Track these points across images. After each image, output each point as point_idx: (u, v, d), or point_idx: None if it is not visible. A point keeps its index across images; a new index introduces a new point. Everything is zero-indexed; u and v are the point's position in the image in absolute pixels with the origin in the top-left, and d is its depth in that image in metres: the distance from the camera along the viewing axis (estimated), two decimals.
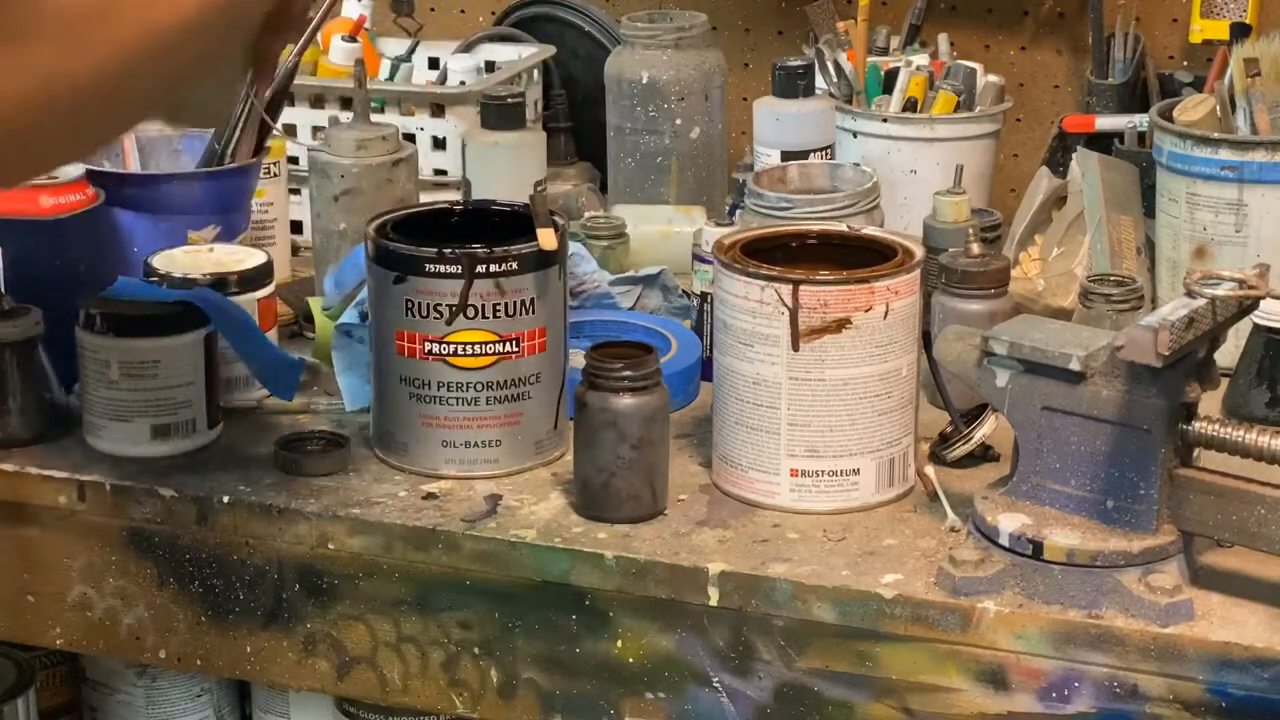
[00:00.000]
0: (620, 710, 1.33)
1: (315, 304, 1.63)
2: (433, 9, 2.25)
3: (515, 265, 1.38)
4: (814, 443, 1.35)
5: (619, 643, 1.32)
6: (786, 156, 1.79)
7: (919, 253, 1.38)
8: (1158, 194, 1.63)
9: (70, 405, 1.50)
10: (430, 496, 1.39)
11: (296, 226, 1.89)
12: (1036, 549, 1.23)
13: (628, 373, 1.33)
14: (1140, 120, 1.80)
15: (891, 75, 1.87)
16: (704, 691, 1.31)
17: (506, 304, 1.38)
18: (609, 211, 1.86)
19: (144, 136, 1.76)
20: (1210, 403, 1.32)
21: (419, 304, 1.38)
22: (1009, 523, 1.25)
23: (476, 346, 1.39)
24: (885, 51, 1.96)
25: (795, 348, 1.33)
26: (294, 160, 1.90)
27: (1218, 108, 1.62)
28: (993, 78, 1.88)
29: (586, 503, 1.36)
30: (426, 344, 1.39)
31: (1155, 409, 1.21)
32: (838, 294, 1.33)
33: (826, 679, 1.28)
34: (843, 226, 1.47)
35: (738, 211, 1.63)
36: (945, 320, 1.47)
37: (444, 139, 1.91)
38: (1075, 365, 1.23)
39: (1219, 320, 1.22)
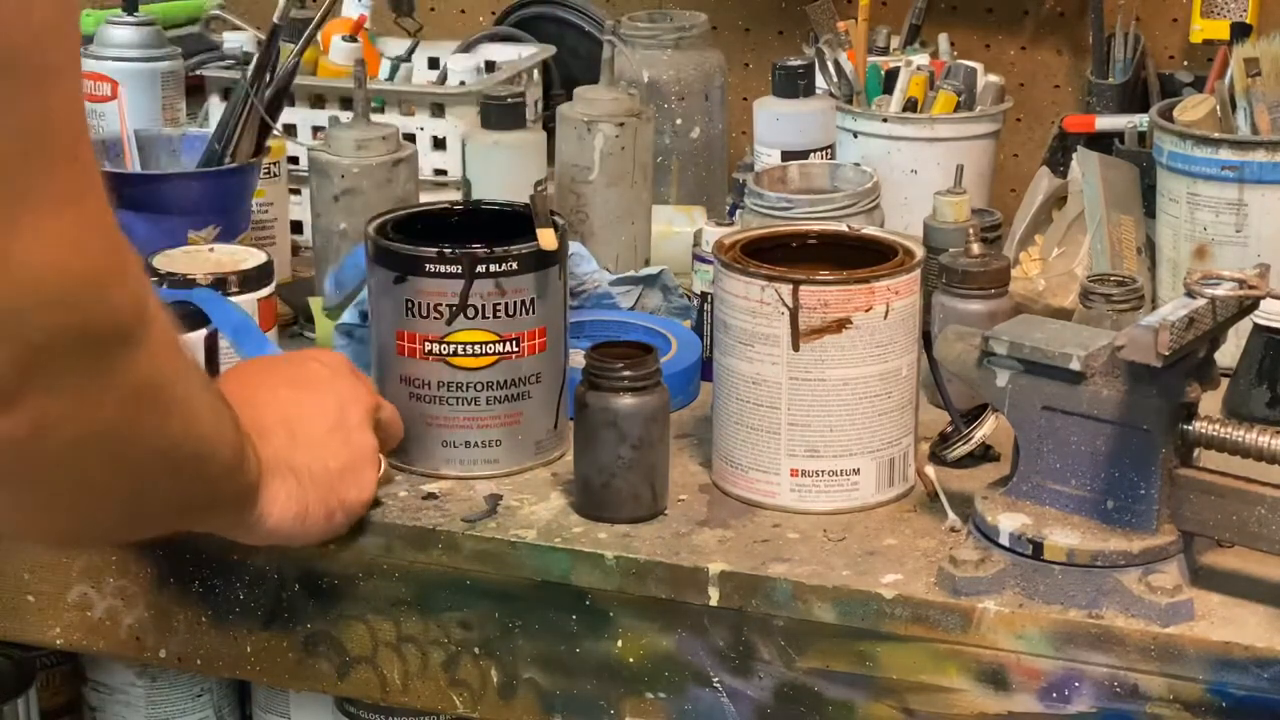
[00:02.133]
0: (620, 710, 1.33)
1: (315, 304, 1.63)
2: (433, 9, 2.25)
3: (515, 265, 1.38)
4: (814, 443, 1.35)
5: (619, 643, 1.32)
6: (786, 156, 1.79)
7: (919, 253, 1.38)
8: (1158, 194, 1.63)
9: None
10: (430, 496, 1.39)
11: (296, 226, 1.89)
12: (1036, 549, 1.23)
13: (628, 373, 1.33)
14: (1140, 120, 1.80)
15: (892, 75, 1.87)
16: (704, 691, 1.31)
17: (506, 304, 1.38)
18: None
19: (144, 136, 1.76)
20: (1210, 403, 1.32)
21: (419, 304, 1.38)
22: (1009, 523, 1.25)
23: (476, 346, 1.39)
24: (885, 51, 1.96)
25: (795, 348, 1.33)
26: (294, 160, 1.90)
27: (1218, 108, 1.62)
28: (993, 78, 1.88)
29: (587, 503, 1.36)
30: (426, 344, 1.39)
31: (1155, 409, 1.21)
32: (838, 294, 1.33)
33: (827, 679, 1.28)
34: (843, 226, 1.47)
35: (738, 211, 1.63)
36: (945, 320, 1.46)
37: (444, 139, 1.91)
38: (1075, 365, 1.23)
39: (1219, 320, 1.22)
